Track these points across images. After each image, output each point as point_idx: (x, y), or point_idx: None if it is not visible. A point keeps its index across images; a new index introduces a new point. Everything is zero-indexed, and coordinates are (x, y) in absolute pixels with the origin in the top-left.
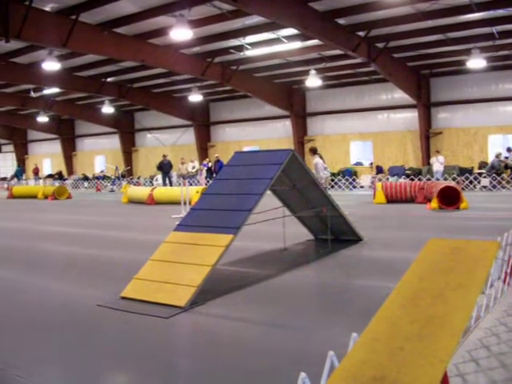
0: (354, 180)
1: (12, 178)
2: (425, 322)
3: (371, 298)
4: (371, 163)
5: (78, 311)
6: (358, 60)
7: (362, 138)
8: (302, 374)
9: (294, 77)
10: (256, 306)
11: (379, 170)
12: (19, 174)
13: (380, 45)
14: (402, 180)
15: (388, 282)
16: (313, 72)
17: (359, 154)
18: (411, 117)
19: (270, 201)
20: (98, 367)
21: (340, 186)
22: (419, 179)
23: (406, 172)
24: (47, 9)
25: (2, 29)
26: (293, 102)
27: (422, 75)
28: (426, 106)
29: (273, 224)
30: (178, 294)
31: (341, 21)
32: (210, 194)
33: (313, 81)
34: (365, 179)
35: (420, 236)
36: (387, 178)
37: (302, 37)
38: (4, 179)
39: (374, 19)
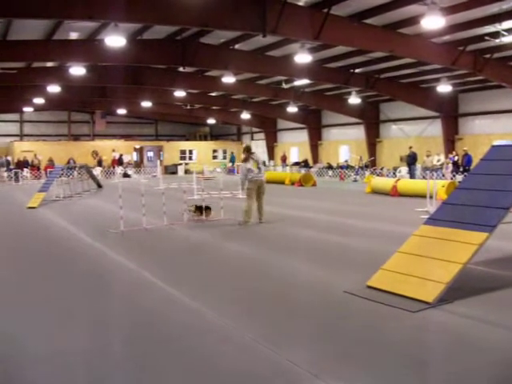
0: None
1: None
2: None
3: None
4: None
5: (325, 295)
6: None
7: None
8: None
9: None
10: (510, 310)
11: None
12: (233, 160)
13: None
14: None
15: None
16: None
17: None
18: None
19: None
20: (344, 352)
21: None
22: None
23: None
24: (301, 3)
25: (260, 25)
26: None
27: None
28: None
29: None
30: (425, 289)
31: None
32: (463, 189)
33: None
34: None
35: None
36: None
37: None
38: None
39: None
